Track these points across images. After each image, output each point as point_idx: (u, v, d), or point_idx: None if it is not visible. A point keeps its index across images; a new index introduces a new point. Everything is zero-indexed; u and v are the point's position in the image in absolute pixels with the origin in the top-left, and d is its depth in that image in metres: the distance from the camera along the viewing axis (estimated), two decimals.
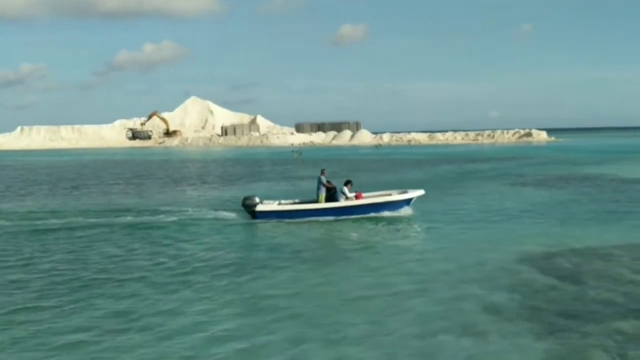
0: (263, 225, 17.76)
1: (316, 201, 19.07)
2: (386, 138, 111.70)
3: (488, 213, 19.12)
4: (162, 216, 19.29)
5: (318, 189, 19.06)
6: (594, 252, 13.15)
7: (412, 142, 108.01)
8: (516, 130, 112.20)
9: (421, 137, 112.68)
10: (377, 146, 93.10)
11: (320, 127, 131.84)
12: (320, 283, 11.13)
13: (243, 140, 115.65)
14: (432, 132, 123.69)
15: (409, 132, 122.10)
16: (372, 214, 18.66)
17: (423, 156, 62.03)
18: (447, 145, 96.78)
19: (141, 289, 10.72)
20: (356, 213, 18.74)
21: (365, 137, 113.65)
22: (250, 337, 8.13)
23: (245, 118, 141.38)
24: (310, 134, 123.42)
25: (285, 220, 18.45)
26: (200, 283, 11.10)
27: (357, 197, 18.95)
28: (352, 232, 16.78)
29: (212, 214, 19.70)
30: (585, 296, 9.80)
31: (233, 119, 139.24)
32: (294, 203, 19.61)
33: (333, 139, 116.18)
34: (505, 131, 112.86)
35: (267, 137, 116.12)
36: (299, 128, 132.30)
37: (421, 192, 20.00)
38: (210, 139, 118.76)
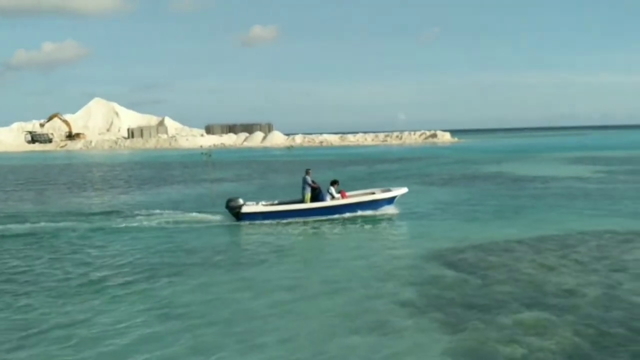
0: (180, 228, 17.32)
1: (302, 201, 19.04)
2: (298, 139, 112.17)
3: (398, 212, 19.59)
4: (64, 224, 18.31)
5: (303, 189, 19.04)
6: (497, 247, 13.82)
7: (324, 144, 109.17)
8: (422, 131, 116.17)
9: (333, 139, 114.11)
10: (289, 147, 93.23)
11: (232, 129, 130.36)
12: (237, 288, 10.94)
13: (151, 143, 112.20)
14: (344, 133, 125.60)
15: (321, 133, 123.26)
16: (359, 213, 18.79)
17: (335, 157, 62.82)
18: (358, 147, 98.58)
19: (45, 299, 10.13)
20: (342, 212, 18.84)
21: (277, 139, 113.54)
22: (159, 347, 7.86)
23: (153, 120, 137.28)
24: (221, 136, 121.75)
25: (270, 221, 18.23)
26: (110, 291, 10.62)
27: (341, 196, 19.13)
28: (293, 235, 16.62)
29: (119, 220, 18.95)
30: (490, 290, 10.26)
31: (140, 120, 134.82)
32: (279, 204, 19.42)
33: (245, 140, 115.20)
34: (412, 132, 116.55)
35: (175, 140, 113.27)
36: (209, 129, 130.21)
37: (405, 190, 20.28)
38: (116, 142, 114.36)
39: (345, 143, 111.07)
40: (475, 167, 41.10)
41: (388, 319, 8.82)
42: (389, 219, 18.45)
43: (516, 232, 15.53)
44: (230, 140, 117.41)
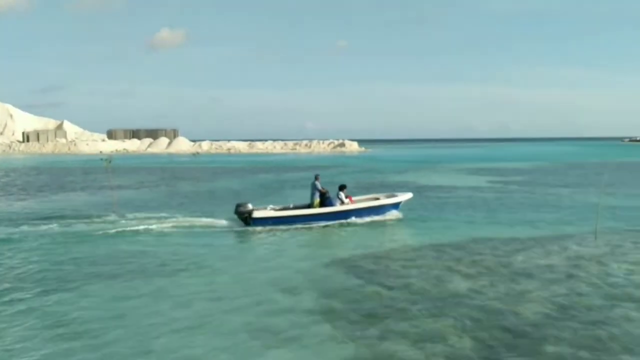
0: (71, 237, 16.30)
1: (310, 206, 19.17)
2: (205, 146, 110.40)
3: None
4: None
5: (313, 194, 19.26)
6: (400, 254, 14.10)
7: (232, 151, 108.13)
8: (331, 140, 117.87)
9: (241, 146, 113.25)
10: (195, 154, 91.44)
11: (135, 134, 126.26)
12: (134, 299, 10.41)
13: (48, 147, 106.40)
14: (252, 140, 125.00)
15: (229, 140, 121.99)
16: (366, 218, 19.12)
17: (243, 164, 62.25)
18: (266, 154, 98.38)
19: None
20: (350, 217, 19.12)
21: (183, 145, 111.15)
22: None
23: (51, 123, 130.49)
24: (124, 141, 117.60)
25: (281, 226, 18.20)
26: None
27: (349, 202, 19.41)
28: (205, 243, 16.03)
29: (9, 229, 17.64)
30: (392, 296, 10.40)
31: (37, 124, 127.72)
32: (288, 208, 19.43)
33: (149, 146, 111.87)
34: (321, 141, 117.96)
35: (75, 144, 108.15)
36: (112, 134, 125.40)
37: (410, 195, 20.83)
38: (9, 146, 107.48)
39: (254, 151, 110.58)
40: (382, 177, 42.04)
41: (289, 331, 8.71)
42: (299, 229, 18.36)
43: (419, 240, 15.94)
44: (133, 145, 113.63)
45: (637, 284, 11.09)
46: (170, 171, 51.40)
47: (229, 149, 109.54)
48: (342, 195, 19.52)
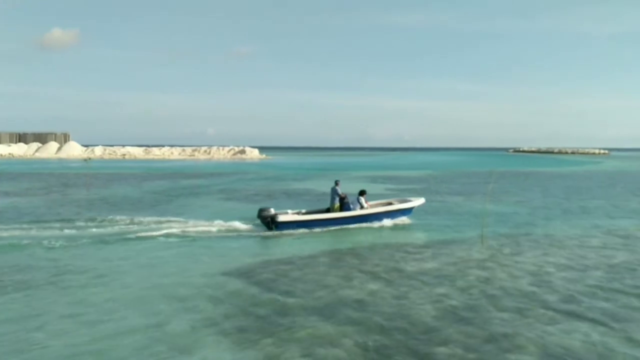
0: None
1: (330, 210, 20.00)
2: (98, 151, 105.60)
3: (203, 229, 19.18)
4: None
5: (333, 199, 20.09)
6: (297, 261, 14.18)
7: (127, 157, 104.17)
8: (231, 147, 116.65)
9: (137, 152, 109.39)
10: (87, 160, 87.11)
11: (22, 138, 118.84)
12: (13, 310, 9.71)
13: None
14: (149, 146, 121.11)
15: (124, 145, 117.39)
16: (384, 221, 20.09)
17: (139, 171, 60.12)
18: (164, 160, 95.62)
19: None
20: (369, 220, 19.98)
21: (74, 150, 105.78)
22: None
23: None
24: (9, 145, 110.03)
25: (303, 229, 18.89)
26: None
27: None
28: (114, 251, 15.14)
29: None
30: (287, 303, 10.43)
31: None
32: (307, 213, 20.11)
33: (36, 151, 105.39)
34: (221, 148, 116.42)
35: None
36: None
37: (422, 200, 21.93)
38: None
39: (150, 156, 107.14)
40: (282, 184, 42.13)
41: (186, 340, 8.48)
42: (207, 237, 17.96)
43: (315, 248, 16.11)
44: (19, 150, 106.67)
45: (519, 287, 11.82)
46: (59, 177, 48.63)
47: (123, 155, 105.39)
48: (362, 200, 20.37)
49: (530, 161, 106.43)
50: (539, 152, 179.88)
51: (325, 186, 39.16)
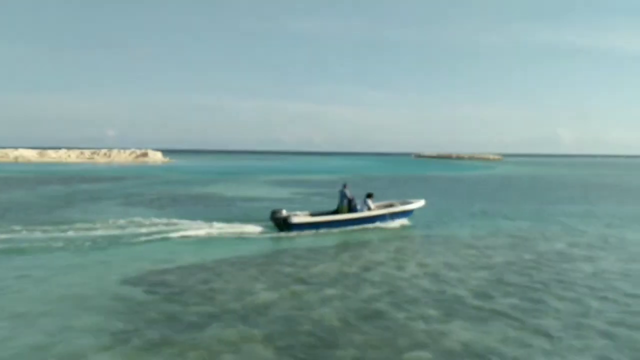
0: None
1: (338, 212, 20.67)
2: None
3: (97, 238, 18.27)
4: None
5: (341, 200, 20.81)
6: (200, 268, 13.81)
7: (20, 159, 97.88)
8: (133, 150, 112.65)
9: (30, 154, 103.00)
10: None
11: None
12: None
13: None
14: (44, 148, 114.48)
15: (17, 147, 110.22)
16: (389, 222, 20.85)
17: (32, 174, 56.60)
18: (60, 164, 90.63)
19: None
20: (376, 221, 20.73)
21: None
22: None
23: None
24: None
25: (315, 230, 19.39)
26: None
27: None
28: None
29: None
30: (192, 309, 10.18)
31: None
32: (316, 214, 20.75)
33: None
34: (122, 150, 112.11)
35: None
36: None
37: (423, 202, 22.55)
38: None
39: (46, 159, 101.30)
40: (185, 188, 41.09)
41: (84, 352, 8.00)
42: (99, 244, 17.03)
43: (220, 253, 15.80)
44: None
45: (421, 286, 12.15)
46: None
47: (16, 157, 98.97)
48: (369, 202, 21.07)
49: (431, 166, 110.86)
50: (439, 157, 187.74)
51: (232, 190, 38.71)
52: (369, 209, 20.90)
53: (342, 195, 20.93)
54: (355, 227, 20.15)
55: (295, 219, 19.33)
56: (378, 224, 20.68)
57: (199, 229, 19.38)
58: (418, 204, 22.33)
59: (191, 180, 50.87)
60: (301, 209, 22.64)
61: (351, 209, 20.70)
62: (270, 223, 19.77)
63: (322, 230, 19.54)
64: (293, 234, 18.89)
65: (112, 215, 23.08)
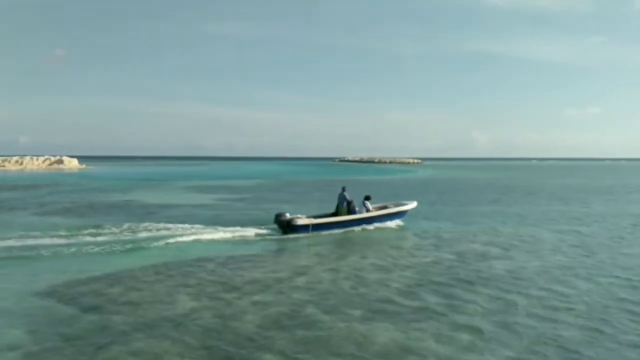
0: None
1: (337, 214, 21.65)
2: None
3: (11, 249, 17.35)
4: None
5: (341, 203, 21.86)
6: (121, 278, 13.34)
7: None
8: (47, 157, 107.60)
9: None
10: None
11: None
12: None
13: None
14: None
15: None
16: (387, 223, 22.22)
17: None
18: None
19: None
20: (374, 222, 21.92)
21: None
22: None
23: None
24: None
25: (318, 232, 20.23)
26: None
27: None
28: None
29: None
30: (110, 322, 9.77)
31: None
32: (317, 217, 21.46)
33: None
34: (35, 157, 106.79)
35: None
36: None
37: (415, 203, 24.03)
38: None
39: None
40: (103, 195, 39.65)
41: None
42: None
43: (143, 261, 15.34)
44: None
45: (341, 288, 12.29)
46: None
47: None
48: (367, 204, 22.11)
49: (354, 170, 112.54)
50: (361, 161, 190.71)
51: (152, 197, 37.73)
52: (367, 210, 21.97)
53: (342, 197, 21.94)
54: (355, 228, 21.22)
55: (299, 221, 20.08)
56: (376, 225, 21.84)
57: (116, 237, 18.81)
58: (411, 205, 23.64)
59: (108, 187, 49.10)
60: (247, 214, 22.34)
61: (350, 211, 21.69)
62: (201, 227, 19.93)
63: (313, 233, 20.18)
64: (293, 235, 19.71)
65: (25, 226, 21.95)
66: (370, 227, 21.61)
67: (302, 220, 20.26)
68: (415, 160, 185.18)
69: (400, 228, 22.29)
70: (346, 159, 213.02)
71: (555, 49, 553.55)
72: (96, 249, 17.05)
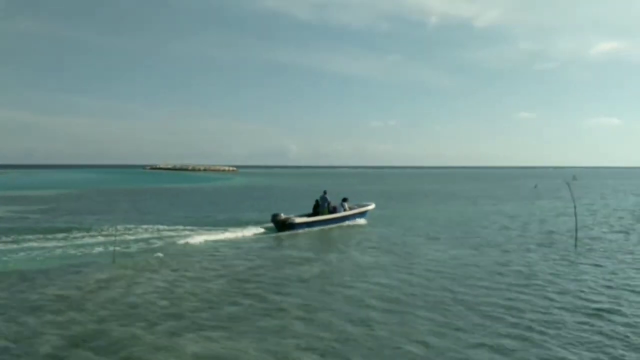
0: None
1: (319, 213, 25.55)
2: None
3: None
4: None
5: (322, 204, 25.94)
6: None
7: None
8: None
9: None
10: None
11: None
12: None
13: None
14: None
15: None
16: (357, 220, 26.71)
17: None
18: None
19: None
20: (349, 220, 26.26)
21: None
22: None
23: None
24: None
25: (310, 228, 24.21)
26: None
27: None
28: None
29: None
30: None
31: None
32: (304, 216, 25.17)
33: None
34: None
35: None
36: None
37: (373, 205, 29.14)
38: None
39: None
40: None
41: None
42: None
43: None
44: None
45: (151, 302, 11.59)
46: None
47: None
48: (345, 205, 26.63)
49: (166, 178, 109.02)
50: (174, 169, 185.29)
51: None
52: (345, 210, 26.34)
53: (324, 200, 26.04)
54: (336, 225, 25.36)
55: (297, 220, 23.98)
56: (351, 222, 26.20)
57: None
58: (371, 206, 28.65)
59: None
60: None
61: (331, 210, 25.84)
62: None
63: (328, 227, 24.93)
64: (288, 232, 23.08)
65: None
66: (348, 223, 25.97)
67: (297, 219, 24.07)
68: (231, 168, 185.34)
69: (215, 233, 21.90)
70: (158, 166, 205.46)
71: (363, 65, 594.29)
72: None
